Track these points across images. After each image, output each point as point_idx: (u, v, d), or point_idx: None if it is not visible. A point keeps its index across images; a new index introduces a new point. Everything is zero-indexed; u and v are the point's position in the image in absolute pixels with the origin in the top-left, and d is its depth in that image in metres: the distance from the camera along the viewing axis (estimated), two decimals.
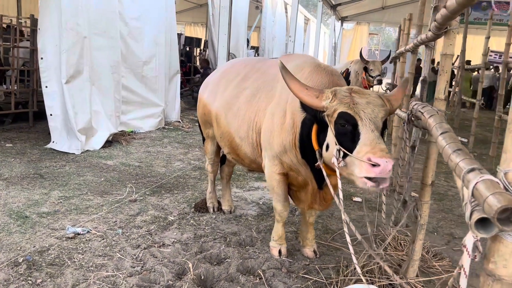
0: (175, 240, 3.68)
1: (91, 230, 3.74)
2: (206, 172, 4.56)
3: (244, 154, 3.58)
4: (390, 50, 14.21)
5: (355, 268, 3.17)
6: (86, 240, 3.57)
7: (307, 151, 2.94)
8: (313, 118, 2.72)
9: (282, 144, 3.06)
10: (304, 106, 2.67)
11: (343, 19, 23.73)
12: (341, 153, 2.46)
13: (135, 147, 7.06)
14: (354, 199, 5.06)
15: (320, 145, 2.73)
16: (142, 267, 3.20)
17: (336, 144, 2.49)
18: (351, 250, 2.40)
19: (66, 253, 3.32)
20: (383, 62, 9.45)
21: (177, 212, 4.37)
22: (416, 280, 3.09)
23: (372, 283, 3.04)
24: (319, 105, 2.56)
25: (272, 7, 16.42)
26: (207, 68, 11.94)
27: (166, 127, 8.98)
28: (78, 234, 3.64)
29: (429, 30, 2.97)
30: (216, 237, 3.78)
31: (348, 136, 2.45)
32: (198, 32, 22.08)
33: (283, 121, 3.07)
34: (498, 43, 16.10)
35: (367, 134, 2.37)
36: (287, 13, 18.40)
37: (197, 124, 9.65)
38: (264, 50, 15.77)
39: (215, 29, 11.63)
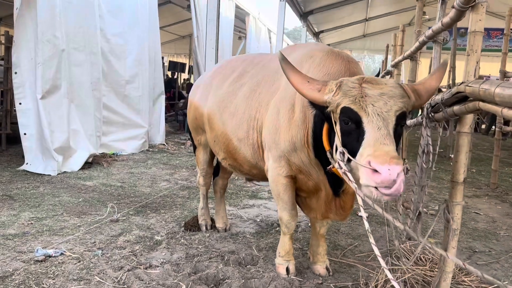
0: (164, 261, 3.17)
1: (65, 252, 3.21)
2: (197, 186, 4.09)
3: (243, 158, 3.14)
4: (380, 68, 14.15)
5: (376, 286, 2.72)
6: (58, 263, 3.03)
7: (322, 150, 2.53)
8: (321, 114, 2.31)
9: (292, 141, 2.64)
10: (311, 101, 2.27)
11: None
12: (346, 156, 2.03)
13: (117, 169, 6.54)
14: (358, 214, 4.62)
15: (332, 145, 2.31)
16: None
17: (340, 146, 2.08)
18: (382, 262, 1.92)
19: (33, 278, 2.78)
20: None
21: (165, 231, 3.86)
22: None
23: None
24: (321, 100, 2.15)
25: (256, 33, 16.33)
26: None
27: (151, 149, 8.48)
28: (50, 256, 3.10)
29: (453, 7, 2.64)
30: (212, 256, 3.28)
31: (353, 136, 2.03)
32: (181, 61, 21.98)
33: (291, 115, 2.66)
34: (483, 67, 16.19)
35: (372, 132, 1.93)
36: (271, 41, 18.36)
37: (183, 146, 9.30)
38: None
39: (200, 51, 11.34)
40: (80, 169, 6.19)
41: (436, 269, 3.08)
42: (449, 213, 2.60)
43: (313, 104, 2.27)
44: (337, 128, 2.11)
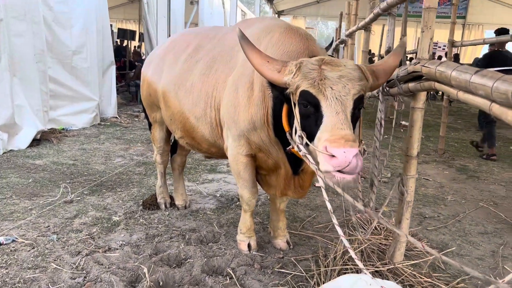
0: (124, 243, 3.11)
1: (17, 238, 3.07)
2: (154, 164, 4.00)
3: (201, 136, 3.09)
4: (333, 37, 14.17)
5: (335, 258, 2.81)
6: (10, 251, 2.90)
7: (282, 129, 2.51)
8: (281, 95, 2.27)
9: (251, 120, 2.60)
10: (271, 82, 2.22)
11: (279, 13, 23.60)
12: (304, 140, 2.04)
13: (68, 145, 6.28)
14: (316, 185, 4.71)
15: (291, 126, 2.29)
16: (85, 277, 2.62)
17: (299, 129, 2.08)
18: (339, 231, 1.95)
19: None
20: (326, 49, 9.25)
21: (122, 211, 3.78)
22: (403, 264, 2.77)
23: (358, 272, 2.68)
24: (281, 81, 2.11)
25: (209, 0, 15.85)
26: (140, 60, 11.17)
27: (102, 123, 8.19)
28: (0, 244, 2.96)
29: None
30: (173, 236, 3.25)
31: (312, 119, 2.02)
32: (131, 28, 21.01)
33: (250, 94, 2.61)
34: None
35: (330, 117, 1.92)
36: (224, 7, 17.90)
37: (136, 119, 9.04)
38: None
39: (150, 18, 10.90)
40: (28, 147, 5.89)
41: (391, 238, 3.23)
42: (403, 186, 2.71)
43: (272, 85, 2.23)
44: (296, 111, 2.10)
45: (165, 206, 3.86)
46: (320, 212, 3.93)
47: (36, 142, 6.13)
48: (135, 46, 14.42)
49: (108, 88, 8.70)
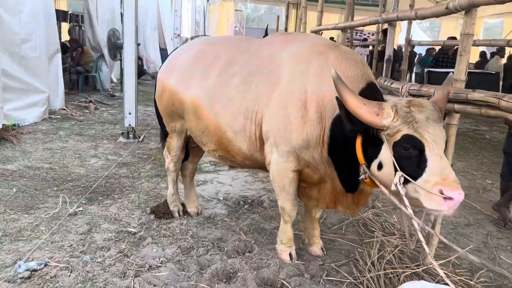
0: (163, 259, 3.06)
1: (49, 262, 2.89)
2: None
3: (237, 150, 3.11)
4: (267, 24, 14.35)
5: (373, 263, 3.04)
6: (50, 277, 2.74)
7: (337, 149, 2.65)
8: (361, 131, 2.41)
9: (306, 139, 2.70)
10: (351, 118, 2.34)
11: None
12: (402, 179, 2.22)
13: (30, 145, 5.80)
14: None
15: (367, 159, 2.45)
16: None
17: (397, 170, 2.23)
18: (427, 249, 2.19)
19: None
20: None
21: (136, 222, 3.68)
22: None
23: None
24: (380, 124, 2.26)
25: None
26: (79, 47, 10.41)
27: (53, 116, 7.61)
28: (35, 270, 2.77)
29: (446, 8, 2.86)
30: (209, 248, 3.26)
31: (413, 162, 2.21)
32: (60, 4, 19.10)
33: (303, 113, 2.70)
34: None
35: (436, 161, 2.15)
36: None
37: (87, 111, 8.51)
38: (138, 26, 14.55)
39: (92, 1, 10.23)
40: None
41: (405, 238, 3.55)
42: None
43: (353, 120, 2.33)
44: (390, 151, 2.24)
45: (179, 214, 3.83)
46: (327, 212, 4.13)
47: None
48: (69, 30, 13.33)
49: (55, 77, 8.06)
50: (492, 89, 6.50)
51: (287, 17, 13.23)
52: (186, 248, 3.24)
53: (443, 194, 2.05)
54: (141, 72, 12.70)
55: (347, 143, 2.56)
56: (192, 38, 13.90)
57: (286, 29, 12.30)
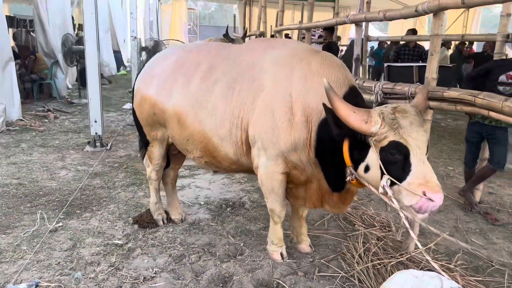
0: (156, 269, 3.06)
1: (39, 282, 2.82)
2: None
3: (224, 155, 3.15)
4: (227, 25, 14.32)
5: (360, 256, 3.19)
6: None
7: (323, 151, 2.76)
8: (349, 136, 2.53)
9: (294, 142, 2.79)
10: (338, 124, 2.44)
11: None
12: (389, 182, 2.37)
13: None
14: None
15: (354, 162, 2.58)
16: None
17: (384, 173, 2.37)
18: (414, 238, 2.34)
19: None
20: (243, 39, 9.47)
21: (120, 233, 3.64)
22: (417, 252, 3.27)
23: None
24: (369, 131, 2.38)
25: None
26: (31, 54, 9.98)
27: (11, 128, 7.29)
28: None
29: (416, 11, 3.03)
30: (200, 254, 3.29)
31: (398, 166, 2.34)
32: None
33: (289, 117, 2.79)
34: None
35: (419, 166, 2.29)
36: None
37: (46, 120, 8.19)
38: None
39: (42, 7, 9.83)
40: None
41: (386, 229, 3.74)
42: None
43: (341, 126, 2.43)
44: (377, 155, 2.37)
45: (163, 222, 3.82)
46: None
47: None
48: (14, 36, 12.72)
49: (9, 87, 7.70)
50: (449, 82, 6.88)
51: (244, 15, 13.25)
52: (178, 256, 3.25)
53: (426, 195, 2.20)
54: None
55: (333, 145, 2.67)
56: (150, 40, 13.65)
57: (244, 28, 12.32)
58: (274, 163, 2.92)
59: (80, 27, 15.90)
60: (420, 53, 7.96)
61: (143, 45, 13.45)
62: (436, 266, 2.41)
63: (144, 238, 3.56)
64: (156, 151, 3.60)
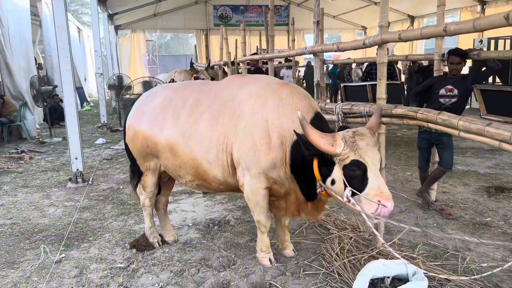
0: (162, 284, 3.45)
1: None
2: (143, 207, 4.22)
3: (213, 177, 3.61)
4: (192, 57, 14.93)
5: (337, 254, 3.70)
6: None
7: (297, 167, 3.28)
8: (317, 155, 3.04)
9: (272, 161, 3.30)
10: (308, 147, 2.96)
11: (117, 28, 23.24)
12: (351, 193, 2.90)
13: None
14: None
15: (322, 176, 3.09)
16: None
17: (347, 186, 2.89)
18: (378, 235, 2.88)
19: None
20: (206, 70, 10.03)
21: (121, 257, 3.99)
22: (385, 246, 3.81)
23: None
24: (334, 152, 2.90)
25: (50, 19, 14.91)
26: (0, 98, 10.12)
27: None
28: None
29: (364, 44, 3.65)
30: (198, 267, 3.70)
31: (358, 179, 2.87)
32: None
33: (267, 140, 3.30)
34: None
35: (375, 180, 2.83)
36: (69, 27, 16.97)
37: (22, 161, 8.35)
38: (52, 67, 14.40)
39: (8, 50, 10.03)
40: None
41: (356, 230, 4.27)
42: None
43: (310, 149, 2.95)
44: (340, 171, 2.91)
45: (159, 244, 4.20)
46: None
47: None
48: None
49: None
50: (398, 97, 7.61)
51: (207, 46, 13.86)
52: (178, 271, 3.65)
53: (380, 203, 2.75)
54: (62, 114, 12.53)
55: (305, 163, 3.20)
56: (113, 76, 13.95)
57: (207, 58, 12.89)
58: (257, 180, 3.41)
59: (40, 66, 16.07)
60: (390, 71, 8.68)
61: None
62: (397, 255, 2.94)
63: (144, 259, 3.93)
64: (150, 179, 4.01)
